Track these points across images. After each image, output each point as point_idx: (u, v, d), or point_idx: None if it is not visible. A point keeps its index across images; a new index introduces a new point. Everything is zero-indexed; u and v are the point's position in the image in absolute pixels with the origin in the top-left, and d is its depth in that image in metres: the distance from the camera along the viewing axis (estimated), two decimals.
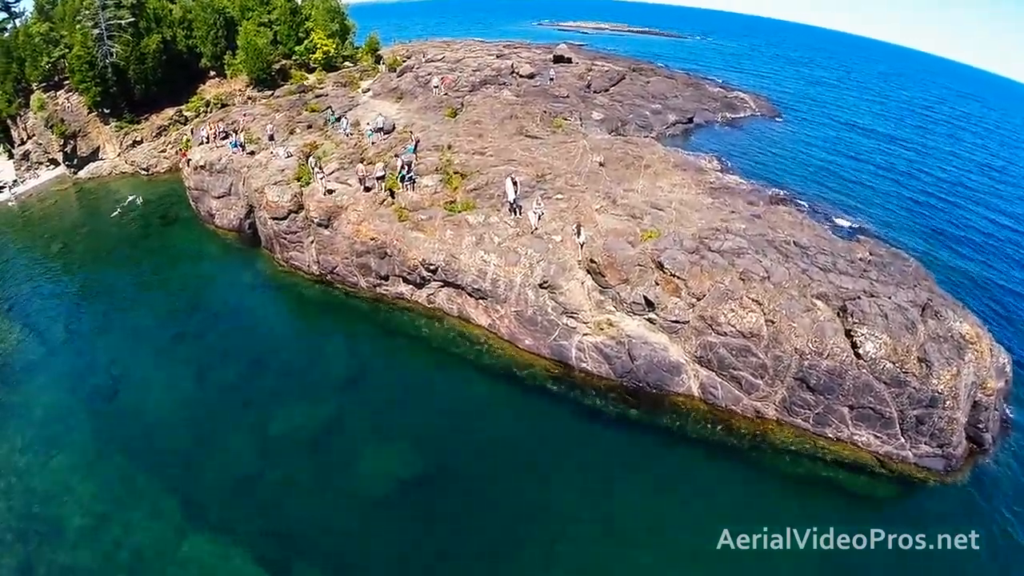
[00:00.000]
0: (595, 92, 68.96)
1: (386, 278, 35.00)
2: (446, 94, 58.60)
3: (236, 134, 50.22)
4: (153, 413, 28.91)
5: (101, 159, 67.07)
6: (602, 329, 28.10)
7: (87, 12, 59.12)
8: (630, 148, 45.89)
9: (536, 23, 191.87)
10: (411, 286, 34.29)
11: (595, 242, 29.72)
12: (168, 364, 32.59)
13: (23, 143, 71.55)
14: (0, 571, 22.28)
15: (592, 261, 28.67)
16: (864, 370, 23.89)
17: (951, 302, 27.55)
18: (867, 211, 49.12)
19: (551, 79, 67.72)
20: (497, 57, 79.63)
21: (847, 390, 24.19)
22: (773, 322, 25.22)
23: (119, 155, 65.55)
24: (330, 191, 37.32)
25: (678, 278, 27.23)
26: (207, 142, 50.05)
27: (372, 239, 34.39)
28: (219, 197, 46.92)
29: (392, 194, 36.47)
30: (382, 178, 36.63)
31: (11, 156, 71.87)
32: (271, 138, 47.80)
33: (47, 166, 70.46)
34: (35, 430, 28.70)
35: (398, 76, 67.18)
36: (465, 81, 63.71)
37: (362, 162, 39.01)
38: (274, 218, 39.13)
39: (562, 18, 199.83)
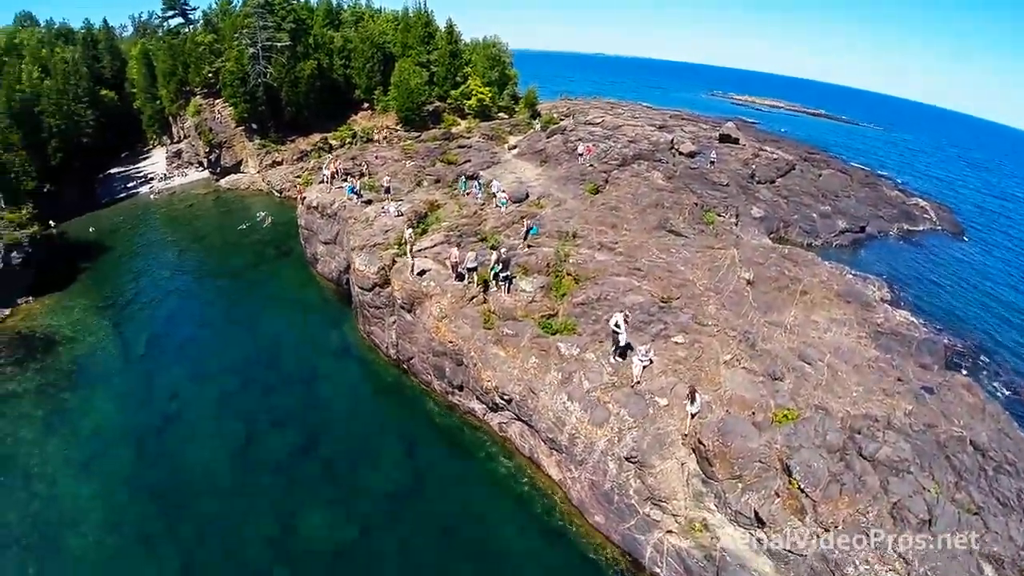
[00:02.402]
0: (759, 183, 61.36)
1: (460, 388, 30.00)
2: (591, 165, 53.28)
3: (355, 178, 47.44)
4: (188, 467, 27.55)
5: (242, 172, 67.59)
6: (692, 532, 21.39)
7: (246, 31, 59.15)
8: (787, 266, 38.49)
9: (710, 93, 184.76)
10: (484, 406, 29.03)
11: (711, 414, 23.19)
12: (223, 416, 31.06)
13: (178, 141, 73.64)
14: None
15: (701, 442, 22.13)
16: None
17: None
18: None
19: (712, 162, 60.85)
20: (659, 128, 73.70)
21: None
22: None
23: (258, 172, 65.45)
24: (421, 272, 32.86)
25: (807, 495, 20.19)
26: (327, 182, 47.56)
27: (451, 342, 29.53)
28: (325, 243, 44.18)
29: (486, 288, 31.53)
30: (474, 269, 31.65)
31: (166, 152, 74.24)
32: (387, 191, 44.36)
33: (196, 167, 72.08)
34: (79, 444, 28.94)
35: (547, 137, 62.76)
36: (616, 153, 58.08)
37: (457, 246, 34.19)
38: (360, 287, 35.33)
39: (737, 90, 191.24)
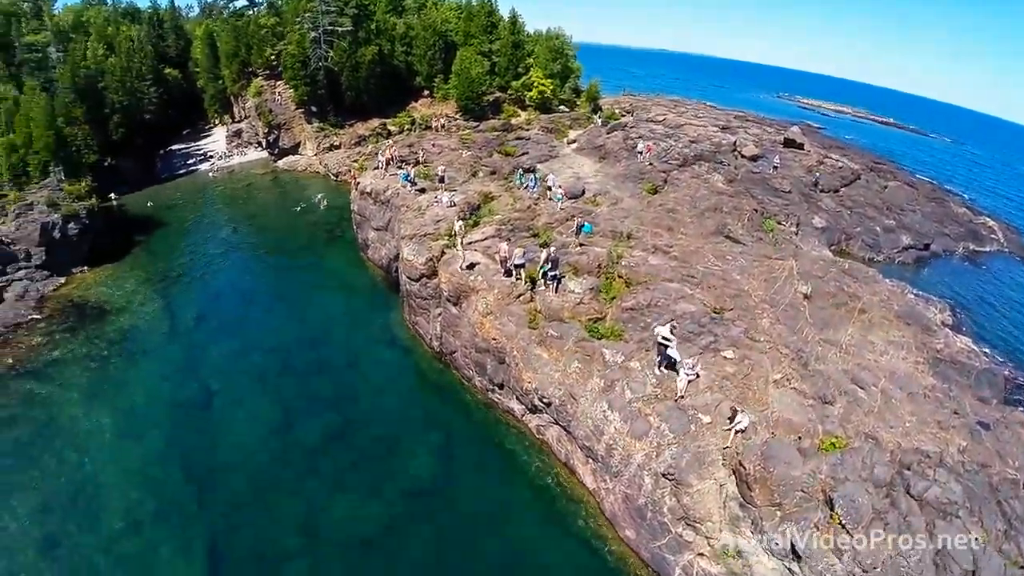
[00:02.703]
0: (822, 191, 59.24)
1: (501, 386, 29.62)
2: (651, 164, 52.18)
3: (410, 166, 47.34)
4: (224, 445, 27.93)
5: (300, 154, 68.27)
6: (725, 557, 20.58)
7: (308, 15, 59.56)
8: (847, 282, 36.98)
9: (777, 95, 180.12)
10: (523, 406, 28.61)
11: (755, 435, 22.31)
12: (263, 396, 31.39)
13: (239, 121, 74.74)
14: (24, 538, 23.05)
15: (741, 465, 21.29)
16: None
17: None
18: None
19: (775, 167, 58.87)
20: (722, 129, 71.85)
21: None
22: None
23: (315, 155, 65.99)
24: (471, 265, 32.52)
25: (848, 532, 19.23)
26: (382, 168, 47.57)
27: (494, 339, 29.15)
28: (377, 229, 44.24)
29: (533, 286, 31.03)
30: (522, 266, 31.13)
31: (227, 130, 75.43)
32: (441, 180, 44.12)
33: (255, 147, 73.04)
34: (120, 414, 29.50)
35: (608, 132, 61.71)
36: (677, 153, 56.79)
37: (507, 241, 33.66)
38: (407, 276, 35.20)
39: (804, 93, 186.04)
